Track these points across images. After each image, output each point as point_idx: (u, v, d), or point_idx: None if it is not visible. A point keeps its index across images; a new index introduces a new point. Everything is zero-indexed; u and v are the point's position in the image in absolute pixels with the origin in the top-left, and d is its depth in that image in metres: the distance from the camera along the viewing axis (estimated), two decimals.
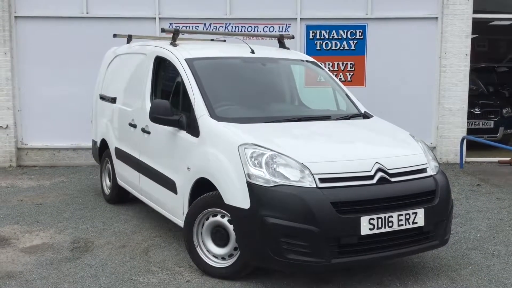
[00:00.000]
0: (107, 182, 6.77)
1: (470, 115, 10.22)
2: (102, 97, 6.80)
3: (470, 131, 10.08)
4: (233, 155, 3.97)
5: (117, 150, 6.19)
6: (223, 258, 4.22)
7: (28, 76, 9.31)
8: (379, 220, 3.78)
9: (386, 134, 4.71)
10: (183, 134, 4.64)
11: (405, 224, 3.88)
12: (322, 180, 3.77)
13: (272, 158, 3.86)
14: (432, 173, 4.25)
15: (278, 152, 3.88)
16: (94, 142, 7.12)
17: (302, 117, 4.77)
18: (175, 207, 4.74)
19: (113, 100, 6.41)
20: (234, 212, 3.90)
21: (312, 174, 3.77)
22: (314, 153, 3.96)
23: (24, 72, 9.28)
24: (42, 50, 9.24)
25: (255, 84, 5.16)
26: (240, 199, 3.84)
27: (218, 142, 4.22)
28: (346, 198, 3.73)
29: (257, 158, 3.88)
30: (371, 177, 3.90)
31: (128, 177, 5.91)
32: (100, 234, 5.43)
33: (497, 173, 8.81)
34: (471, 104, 10.07)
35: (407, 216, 3.89)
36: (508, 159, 9.45)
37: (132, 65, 6.06)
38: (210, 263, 4.25)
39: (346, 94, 5.41)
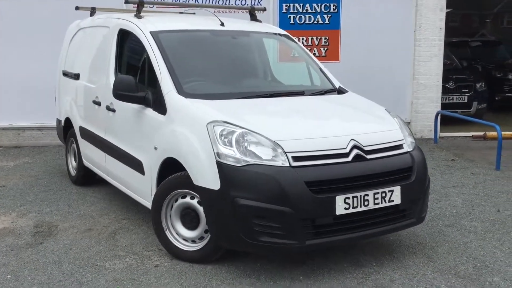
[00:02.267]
0: (72, 163, 6.50)
1: (444, 90, 10.16)
2: (65, 74, 6.48)
3: (444, 106, 10.04)
4: (202, 133, 3.76)
5: (82, 129, 5.90)
6: (193, 241, 4.03)
7: None
8: (355, 199, 3.63)
9: (361, 109, 4.55)
10: (150, 111, 4.40)
11: (381, 203, 3.75)
12: (296, 158, 3.59)
13: (242, 136, 3.65)
14: (409, 149, 4.12)
15: (249, 130, 3.68)
16: (58, 121, 6.82)
17: (275, 92, 4.55)
18: (142, 188, 4.52)
19: (76, 77, 6.10)
20: (204, 194, 3.71)
21: (285, 152, 3.59)
22: (287, 131, 3.77)
23: None
24: (3, 26, 8.78)
25: (225, 58, 4.91)
26: (210, 179, 3.64)
27: (186, 120, 3.99)
28: (320, 177, 3.56)
29: (227, 136, 3.67)
30: (346, 155, 3.74)
31: (94, 158, 5.65)
32: (65, 217, 5.18)
33: (471, 147, 8.79)
34: (445, 78, 10.00)
35: (383, 194, 3.75)
36: (481, 133, 9.44)
37: (96, 39, 5.75)
38: (180, 247, 4.06)
39: (320, 69, 5.22)
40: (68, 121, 6.39)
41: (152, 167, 4.29)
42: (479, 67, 13.24)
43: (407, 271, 3.90)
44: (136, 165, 4.57)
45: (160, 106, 4.27)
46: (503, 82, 12.80)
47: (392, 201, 3.80)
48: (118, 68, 5.14)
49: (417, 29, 9.36)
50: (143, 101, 4.40)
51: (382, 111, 4.49)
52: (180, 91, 4.21)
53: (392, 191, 3.78)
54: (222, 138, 3.67)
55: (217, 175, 3.60)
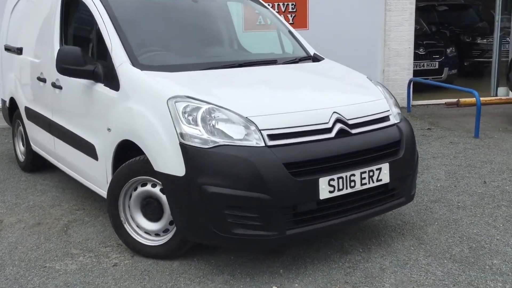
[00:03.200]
0: (20, 148, 5.86)
1: (415, 57, 9.80)
2: (8, 48, 5.79)
3: (415, 73, 9.69)
4: (162, 111, 3.23)
5: (28, 110, 5.27)
6: (157, 235, 3.54)
7: None
8: (340, 180, 3.19)
9: (341, 78, 4.08)
10: (100, 87, 3.82)
11: (369, 183, 3.32)
12: (272, 136, 3.11)
13: (209, 112, 3.14)
14: (396, 121, 3.69)
15: (217, 105, 3.17)
16: (3, 102, 6.14)
17: (244, 62, 4.00)
18: (97, 175, 3.97)
19: (19, 51, 5.43)
20: (167, 181, 3.20)
21: (260, 130, 3.10)
22: (260, 105, 3.27)
23: None
24: None
25: (186, 24, 4.33)
26: (173, 164, 3.13)
27: (143, 95, 3.45)
28: (301, 157, 3.09)
29: (191, 113, 3.15)
30: (329, 130, 3.28)
31: (42, 141, 5.04)
32: (11, 210, 4.60)
33: (446, 115, 8.50)
34: (416, 45, 9.64)
35: (371, 173, 3.32)
36: (454, 100, 9.16)
37: (39, 8, 5.07)
38: (142, 241, 3.56)
39: (292, 35, 4.72)
40: (13, 101, 5.73)
41: (106, 151, 3.75)
42: (448, 32, 12.95)
43: (397, 257, 3.51)
44: (88, 149, 4.01)
45: (112, 80, 3.70)
46: (471, 46, 12.57)
47: (380, 180, 3.37)
48: (64, 39, 4.52)
49: None
50: (92, 76, 3.81)
51: (364, 79, 4.04)
52: (135, 62, 3.64)
53: (380, 169, 3.35)
54: (186, 115, 3.15)
55: (181, 159, 3.09)
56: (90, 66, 3.83)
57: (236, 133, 3.09)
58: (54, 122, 4.61)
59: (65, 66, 3.78)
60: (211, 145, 3.05)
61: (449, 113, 8.64)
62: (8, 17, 5.94)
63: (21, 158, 5.83)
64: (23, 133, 5.62)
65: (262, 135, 3.08)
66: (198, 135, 3.08)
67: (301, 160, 3.08)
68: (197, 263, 3.48)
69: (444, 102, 9.31)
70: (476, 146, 6.39)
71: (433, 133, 7.24)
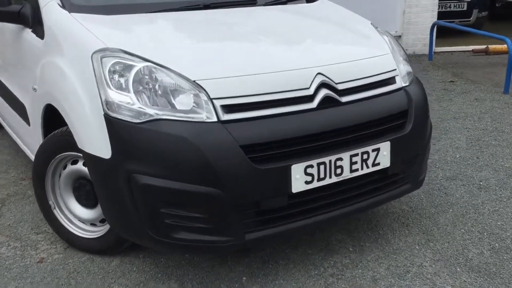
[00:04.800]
0: None
1: None
2: None
3: (439, 15, 8.57)
4: (85, 68, 2.41)
5: None
6: (93, 225, 2.81)
7: None
8: (321, 167, 2.37)
9: (336, 25, 3.15)
10: (28, 34, 3.00)
11: (362, 168, 2.49)
12: (227, 108, 2.28)
13: (146, 73, 2.31)
14: (403, 84, 2.80)
15: (157, 63, 2.33)
16: None
17: (213, 2, 3.09)
18: (32, 143, 3.21)
19: None
20: (91, 163, 2.42)
21: (211, 99, 2.27)
22: (215, 63, 2.40)
23: None
24: None
25: None
26: (97, 143, 2.34)
27: (66, 47, 2.62)
28: (266, 136, 2.26)
29: (122, 73, 2.33)
30: (310, 98, 2.43)
31: None
32: None
33: (472, 64, 7.48)
34: None
35: (365, 156, 2.49)
36: (483, 47, 8.10)
37: None
38: (76, 232, 2.84)
39: None
40: None
41: (35, 115, 2.97)
42: None
43: (396, 261, 2.73)
44: (21, 110, 3.25)
45: (38, 25, 2.87)
46: None
47: (378, 164, 2.55)
48: None
49: None
50: (18, 18, 2.98)
51: (366, 27, 3.12)
52: (67, 1, 2.79)
53: (378, 150, 2.52)
54: (115, 76, 2.32)
55: (107, 136, 2.29)
56: (16, 6, 3.00)
57: (179, 103, 2.27)
58: None
59: None
60: (145, 119, 2.23)
61: (476, 62, 7.61)
62: None
63: None
64: None
65: (214, 106, 2.26)
66: (128, 104, 2.26)
67: (266, 141, 2.25)
68: (142, 262, 2.75)
69: (471, 49, 8.26)
70: (505, 105, 5.45)
71: (456, 86, 6.29)
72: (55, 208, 2.85)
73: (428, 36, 7.91)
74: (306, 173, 2.33)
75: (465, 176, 3.75)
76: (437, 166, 3.92)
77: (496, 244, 2.88)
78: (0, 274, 2.69)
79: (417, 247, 2.86)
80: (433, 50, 7.93)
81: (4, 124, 4.06)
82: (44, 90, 2.76)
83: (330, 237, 2.96)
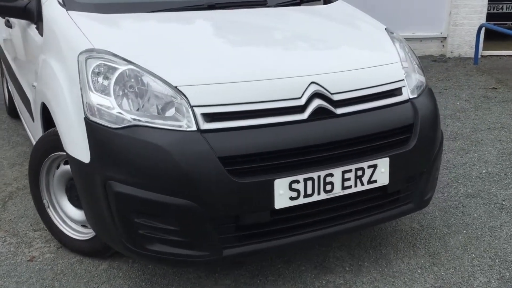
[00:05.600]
0: (6, 89, 5.24)
1: None
2: None
3: (489, 16, 8.13)
4: (72, 69, 2.36)
5: (0, 49, 4.58)
6: (84, 226, 2.77)
7: None
8: (309, 182, 2.22)
9: (346, 29, 2.97)
10: (32, 30, 3.00)
11: (356, 186, 2.33)
12: (209, 117, 2.17)
13: (131, 76, 2.23)
14: (411, 96, 2.60)
15: (140, 67, 2.24)
16: None
17: (218, 2, 2.97)
18: (36, 138, 3.22)
19: None
20: (74, 166, 2.37)
21: (191, 106, 2.16)
22: (200, 69, 2.28)
23: None
24: None
25: None
26: (78, 146, 2.29)
27: (58, 45, 2.58)
28: (246, 148, 2.14)
29: (106, 76, 2.26)
30: (301, 109, 2.29)
31: (10, 86, 4.37)
32: None
33: None
34: None
35: (359, 173, 2.32)
36: None
37: None
38: (67, 233, 2.81)
39: None
40: None
41: (36, 111, 2.97)
42: None
43: (393, 286, 2.55)
44: (28, 106, 3.27)
45: (40, 21, 2.86)
46: None
47: (375, 181, 2.37)
48: None
49: None
50: (24, 14, 2.97)
51: (379, 32, 2.92)
52: None
53: (374, 166, 2.35)
54: (98, 78, 2.26)
55: (86, 140, 2.23)
56: (22, 2, 2.99)
57: (160, 110, 2.18)
58: (10, 66, 3.88)
59: None
60: (122, 125, 2.16)
61: None
62: None
63: (7, 101, 5.22)
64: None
65: (194, 114, 2.15)
66: (107, 108, 2.19)
67: (247, 153, 2.13)
68: (129, 268, 2.69)
69: None
70: None
71: (497, 94, 5.92)
72: (49, 207, 2.84)
73: (475, 39, 7.51)
74: (291, 189, 2.19)
75: (488, 194, 3.49)
76: (459, 181, 3.67)
77: (507, 274, 2.64)
78: None
79: (419, 271, 2.66)
80: (479, 54, 7.53)
81: (21, 117, 4.12)
82: (40, 88, 2.74)
83: (328, 253, 2.81)
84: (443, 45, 8.05)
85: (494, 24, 7.56)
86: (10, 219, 3.21)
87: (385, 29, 2.97)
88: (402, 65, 2.65)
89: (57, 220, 2.83)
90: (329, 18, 3.09)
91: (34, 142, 3.50)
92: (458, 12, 7.83)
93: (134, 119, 2.16)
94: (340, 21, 3.06)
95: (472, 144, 4.39)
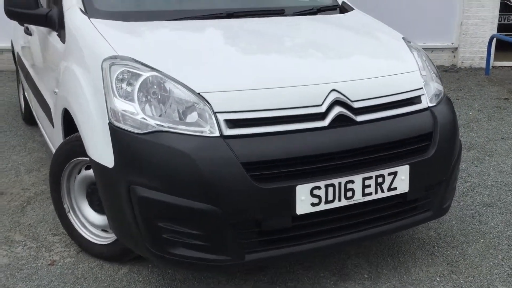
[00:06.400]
0: (22, 96, 5.30)
1: (502, 8, 8.20)
2: None
3: (500, 27, 8.14)
4: (96, 75, 2.40)
5: (18, 55, 4.65)
6: (104, 230, 2.80)
7: None
8: (330, 189, 2.24)
9: (364, 37, 3.00)
10: (53, 37, 3.05)
11: (376, 193, 2.35)
12: (231, 123, 2.20)
13: (154, 83, 2.27)
14: (430, 104, 2.62)
15: (164, 74, 2.28)
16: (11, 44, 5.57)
17: (236, 11, 3.03)
18: (56, 144, 3.25)
19: None
20: (97, 171, 2.39)
21: (214, 112, 2.19)
22: (223, 76, 2.32)
23: None
24: None
25: None
26: (102, 151, 2.32)
27: (82, 52, 2.62)
28: (269, 154, 2.16)
29: (129, 82, 2.29)
30: (322, 116, 2.31)
31: (27, 92, 4.43)
32: None
33: None
34: None
35: (380, 180, 2.34)
36: None
37: None
38: (87, 237, 2.84)
39: None
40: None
41: (56, 117, 3.01)
42: None
43: None
44: (48, 112, 3.31)
45: (61, 29, 2.90)
46: None
47: (395, 188, 2.39)
48: None
49: None
50: (45, 21, 3.01)
51: (397, 41, 2.95)
52: (88, 6, 2.80)
53: (394, 173, 2.37)
54: (122, 85, 2.30)
55: (110, 145, 2.27)
56: (44, 9, 3.04)
57: (184, 116, 2.21)
58: (29, 73, 3.94)
59: (12, 8, 3.01)
60: (146, 130, 2.19)
61: None
62: None
63: (23, 107, 5.28)
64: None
65: (217, 120, 2.18)
66: (131, 114, 2.23)
67: (270, 159, 2.16)
68: (149, 273, 2.71)
69: None
70: None
71: (510, 104, 5.93)
72: (69, 211, 2.87)
73: (486, 49, 7.52)
74: (313, 195, 2.21)
75: (504, 203, 3.49)
76: (475, 191, 3.68)
77: None
78: (11, 274, 2.72)
79: (438, 279, 2.67)
80: (490, 64, 7.54)
81: (38, 122, 4.16)
82: (62, 94, 2.78)
83: (347, 261, 2.82)
84: (454, 56, 8.07)
85: (505, 35, 7.57)
86: (30, 224, 3.24)
87: (402, 38, 3.00)
88: (420, 73, 2.67)
89: (77, 224, 2.86)
90: (346, 27, 3.12)
91: (52, 148, 3.55)
92: (470, 22, 7.85)
93: (158, 125, 2.19)
94: (358, 30, 3.09)
95: (486, 153, 4.39)
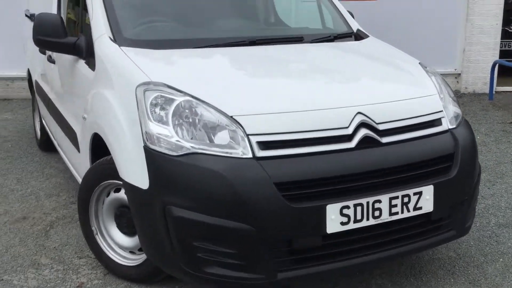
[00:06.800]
0: (38, 123, 5.38)
1: (503, 35, 8.38)
2: (26, 15, 5.28)
3: (502, 53, 8.30)
4: (129, 100, 2.49)
5: (36, 83, 4.76)
6: (132, 252, 2.85)
7: None
8: (358, 208, 2.31)
9: (381, 63, 3.12)
10: (81, 65, 3.15)
11: (402, 212, 2.42)
12: (263, 144, 2.28)
13: (186, 107, 2.36)
14: (450, 126, 2.72)
15: (197, 98, 2.37)
16: (27, 72, 5.69)
17: (258, 39, 3.14)
18: (81, 169, 3.32)
19: (32, 18, 4.88)
20: (130, 192, 2.47)
21: (247, 135, 2.28)
22: (253, 99, 2.43)
23: None
24: None
25: None
26: (137, 173, 2.39)
27: (114, 79, 2.73)
28: (301, 174, 2.24)
29: (163, 107, 2.39)
30: (348, 138, 2.40)
31: (46, 120, 4.52)
32: (5, 197, 4.10)
33: None
34: (505, 21, 8.25)
35: (406, 199, 2.41)
36: None
37: None
38: (115, 259, 2.88)
39: (335, 7, 3.77)
40: (30, 72, 5.27)
41: (84, 143, 3.09)
42: None
43: None
44: (73, 137, 3.38)
45: (91, 57, 3.01)
46: None
47: (420, 208, 2.46)
48: (62, 4, 3.88)
49: None
50: (73, 50, 3.13)
51: (414, 66, 3.06)
52: (118, 35, 2.92)
53: (420, 193, 2.44)
54: (156, 109, 2.39)
55: (145, 167, 2.34)
56: (71, 38, 3.15)
57: (216, 138, 2.29)
58: (51, 100, 4.03)
59: (41, 37, 3.12)
60: (182, 152, 2.27)
61: None
62: None
63: (39, 135, 5.36)
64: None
65: (250, 142, 2.26)
66: (166, 137, 2.31)
67: (302, 179, 2.24)
68: None
69: None
70: None
71: None
72: (97, 233, 2.92)
73: (489, 75, 7.67)
74: (342, 214, 2.28)
75: None
76: (489, 212, 3.74)
77: None
78: None
79: None
80: (493, 90, 7.68)
81: (58, 148, 4.24)
82: (92, 119, 2.86)
83: (371, 280, 2.87)
84: (457, 81, 8.21)
85: (507, 61, 7.73)
86: (55, 247, 3.29)
87: (419, 63, 3.11)
88: (439, 97, 2.77)
89: (105, 246, 2.91)
90: (365, 53, 3.23)
91: (75, 173, 3.63)
92: (472, 49, 8.01)
93: (192, 147, 2.27)
94: (377, 56, 3.20)
95: (497, 176, 4.47)
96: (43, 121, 4.87)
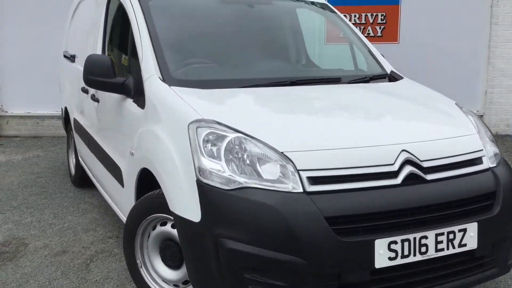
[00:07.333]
0: (73, 160, 5.53)
1: None
2: (66, 56, 5.50)
3: None
4: (182, 137, 2.60)
5: (75, 121, 4.91)
6: (176, 286, 2.90)
7: (6, 37, 8.06)
8: (406, 244, 2.37)
9: (419, 104, 3.22)
10: (129, 103, 3.29)
11: (448, 248, 2.47)
12: (313, 180, 2.37)
13: (237, 143, 2.46)
14: (491, 165, 2.79)
15: (247, 135, 2.48)
16: (62, 110, 5.87)
17: (299, 79, 3.27)
18: (124, 203, 3.42)
19: (72, 59, 5.09)
20: (180, 225, 2.55)
21: (298, 170, 2.37)
22: (302, 136, 2.53)
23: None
24: (19, 9, 7.96)
25: (236, 33, 3.69)
26: (188, 206, 2.48)
27: (165, 116, 2.85)
28: (351, 209, 2.32)
29: (215, 143, 2.49)
30: (394, 174, 2.47)
31: (85, 157, 4.64)
32: (43, 232, 4.19)
33: None
34: None
35: (451, 236, 2.46)
36: None
37: (89, 11, 4.69)
38: None
39: (368, 49, 3.92)
40: (67, 111, 5.44)
41: (130, 178, 3.19)
42: None
43: None
44: (116, 172, 3.49)
45: (140, 96, 3.14)
46: None
47: (465, 245, 2.51)
48: (107, 47, 4.06)
49: (494, 4, 7.77)
50: (122, 89, 3.28)
51: (451, 107, 3.16)
52: (167, 76, 3.06)
53: (464, 230, 2.49)
54: (208, 145, 2.49)
55: (197, 200, 2.43)
56: (120, 78, 3.31)
57: (267, 173, 2.38)
58: (92, 137, 4.17)
59: (91, 77, 3.28)
60: (234, 186, 2.36)
61: None
62: (68, 22, 5.68)
63: (73, 171, 5.50)
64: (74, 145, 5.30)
65: (300, 177, 2.35)
66: (219, 172, 2.41)
67: (351, 213, 2.31)
68: None
69: None
70: None
71: None
72: (141, 267, 2.98)
73: (511, 117, 7.75)
74: (390, 249, 2.33)
75: None
76: None
77: None
78: None
79: None
80: None
81: (97, 184, 4.35)
82: (141, 155, 2.97)
83: None
84: None
85: None
86: (96, 280, 3.35)
87: (455, 104, 3.20)
88: (479, 137, 2.85)
89: (148, 279, 2.96)
90: (403, 94, 3.34)
91: (115, 207, 3.72)
92: (494, 91, 8.11)
93: (244, 182, 2.36)
94: (414, 97, 3.31)
95: None
96: (80, 157, 5.01)
